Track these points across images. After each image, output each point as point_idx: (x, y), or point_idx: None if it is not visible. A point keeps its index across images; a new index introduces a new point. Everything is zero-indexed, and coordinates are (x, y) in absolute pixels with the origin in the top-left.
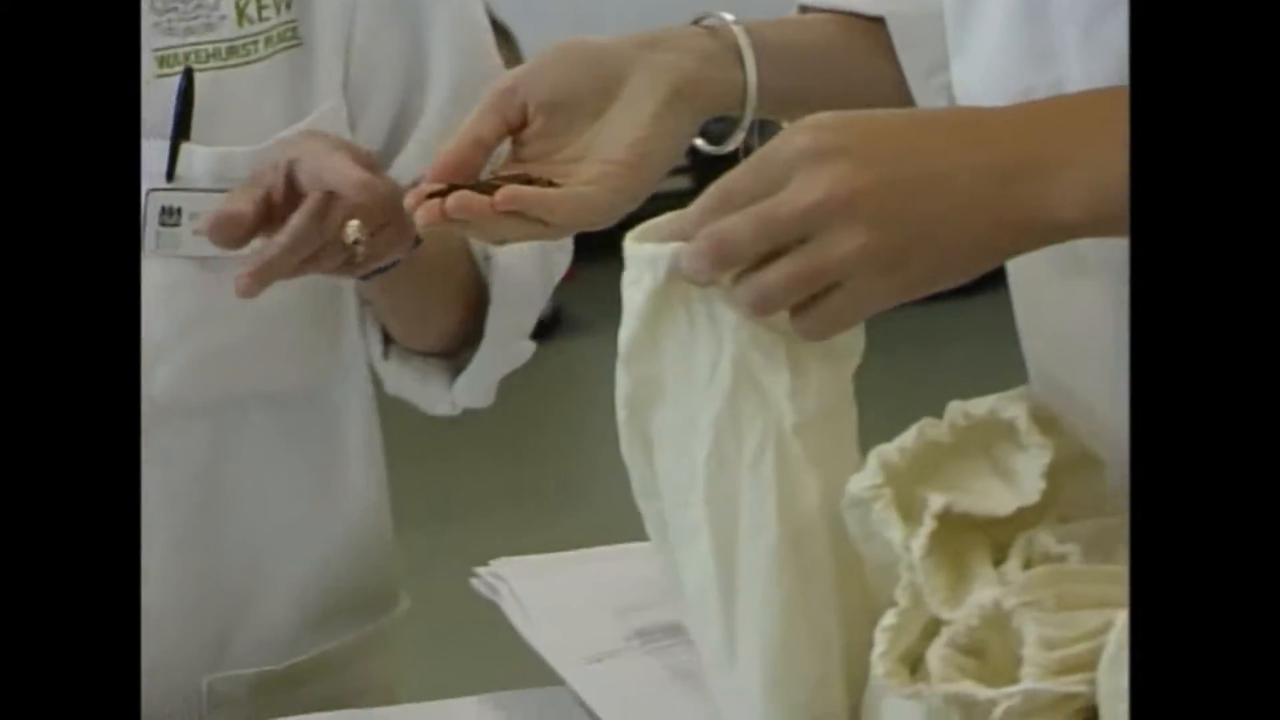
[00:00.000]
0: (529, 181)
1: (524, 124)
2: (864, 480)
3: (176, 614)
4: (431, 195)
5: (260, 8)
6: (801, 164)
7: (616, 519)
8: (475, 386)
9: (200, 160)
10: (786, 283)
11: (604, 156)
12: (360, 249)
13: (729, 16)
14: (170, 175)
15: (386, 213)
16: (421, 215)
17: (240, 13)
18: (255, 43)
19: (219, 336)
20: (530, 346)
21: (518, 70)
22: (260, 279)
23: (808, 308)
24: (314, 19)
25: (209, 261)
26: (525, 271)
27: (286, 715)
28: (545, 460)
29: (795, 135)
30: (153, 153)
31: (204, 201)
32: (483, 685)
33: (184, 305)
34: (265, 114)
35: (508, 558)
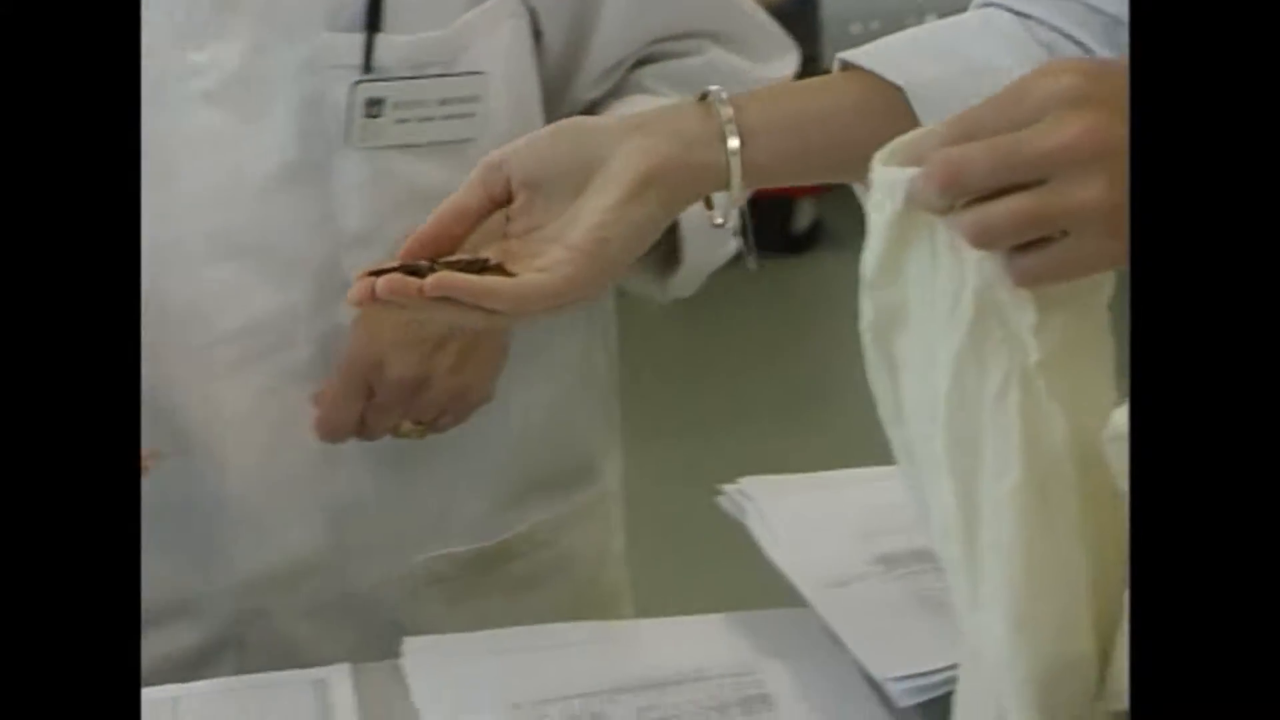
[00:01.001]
0: (483, 266)
1: (509, 199)
2: None
3: (388, 494)
4: (378, 273)
5: None
6: (1056, 105)
7: (866, 439)
8: (680, 286)
9: (397, 49)
10: (1014, 220)
11: (564, 242)
12: (416, 435)
13: (723, 95)
14: (367, 67)
15: (439, 405)
16: (352, 293)
17: None
18: None
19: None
20: (732, 246)
21: (508, 145)
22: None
23: (1028, 251)
24: None
25: (410, 150)
26: (716, 201)
27: (498, 591)
28: (798, 375)
29: (1056, 75)
30: (349, 46)
31: (406, 90)
32: (724, 603)
33: (386, 195)
34: None
35: (756, 476)
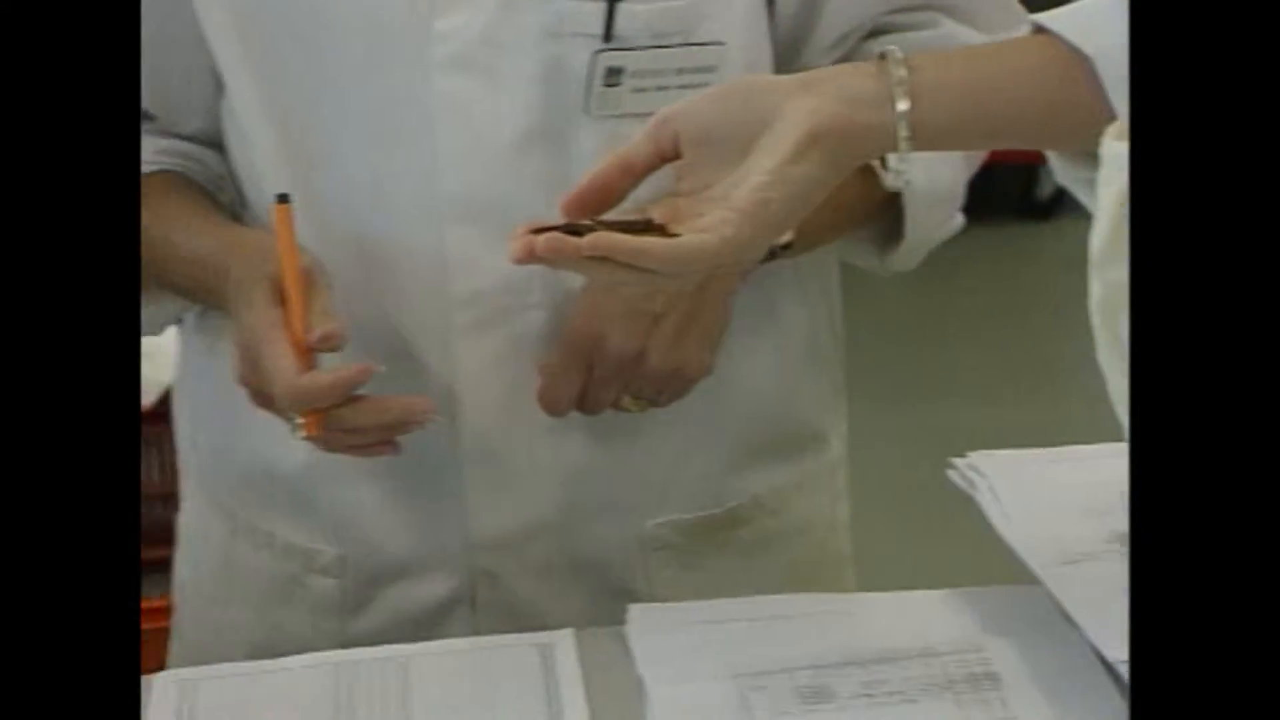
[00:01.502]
0: (647, 224)
1: (677, 155)
2: None
3: (617, 459)
4: (541, 230)
5: None
6: None
7: (1101, 414)
8: (901, 260)
9: (638, 18)
10: None
11: (726, 202)
12: (636, 410)
13: (899, 55)
14: (608, 36)
15: (657, 380)
16: (514, 250)
17: None
18: None
19: (658, 185)
20: (959, 221)
21: (680, 102)
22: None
23: None
24: None
25: (645, 119)
26: (942, 177)
27: (726, 557)
28: (1034, 346)
29: None
30: (591, 14)
31: (644, 60)
32: (946, 576)
33: None
34: None
35: (987, 451)
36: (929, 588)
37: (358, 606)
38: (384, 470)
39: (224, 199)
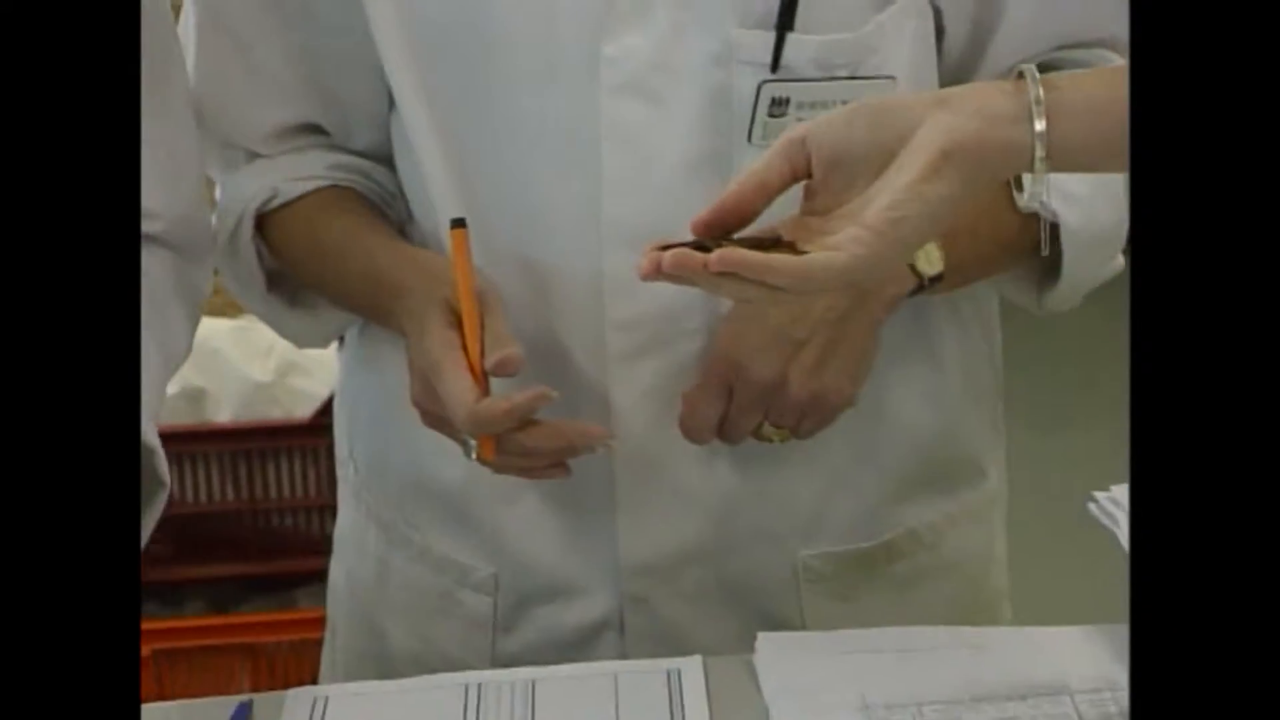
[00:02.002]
0: (776, 241)
1: (810, 173)
2: None
3: (769, 489)
4: (668, 246)
5: None
6: None
7: None
8: (1059, 301)
9: (806, 49)
10: None
11: (859, 220)
12: (778, 440)
13: (1036, 73)
14: (775, 66)
15: (798, 408)
16: (642, 266)
17: None
18: None
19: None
20: (1119, 263)
21: (813, 120)
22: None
23: None
24: None
25: None
26: (1101, 217)
27: (879, 591)
28: None
29: None
30: (760, 43)
31: (811, 91)
32: (1094, 612)
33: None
34: None
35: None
36: (1082, 623)
37: (509, 625)
38: (539, 491)
39: (393, 215)
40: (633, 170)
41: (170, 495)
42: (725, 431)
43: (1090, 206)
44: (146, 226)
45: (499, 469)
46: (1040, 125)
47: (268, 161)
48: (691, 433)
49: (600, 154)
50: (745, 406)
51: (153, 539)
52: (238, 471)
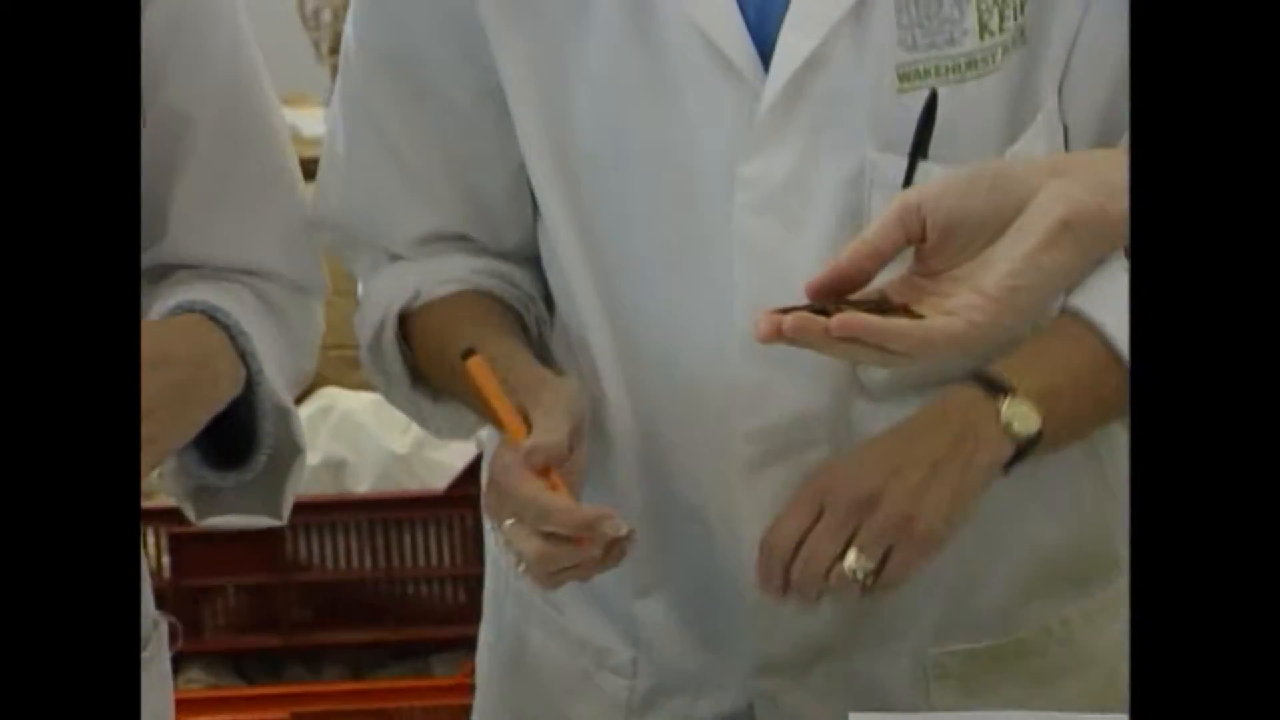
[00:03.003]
0: (888, 305)
1: (924, 238)
2: None
3: (903, 587)
4: (785, 311)
5: (1001, 19)
6: None
7: None
8: None
9: (936, 177)
10: None
11: (974, 286)
12: (860, 576)
13: None
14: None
15: (886, 533)
16: (760, 329)
17: (982, 26)
18: (994, 53)
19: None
20: None
21: (925, 186)
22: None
23: None
24: (1047, 17)
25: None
26: None
27: (1012, 686)
28: None
29: None
30: (893, 166)
31: None
32: None
33: None
34: (993, 124)
35: None
36: None
37: (644, 710)
38: (674, 584)
39: (530, 319)
40: (766, 286)
41: (311, 562)
42: (807, 555)
43: None
44: (265, 283)
45: (545, 580)
46: None
47: (410, 263)
48: (771, 551)
49: (733, 268)
50: (833, 523)
51: (294, 604)
52: (376, 540)
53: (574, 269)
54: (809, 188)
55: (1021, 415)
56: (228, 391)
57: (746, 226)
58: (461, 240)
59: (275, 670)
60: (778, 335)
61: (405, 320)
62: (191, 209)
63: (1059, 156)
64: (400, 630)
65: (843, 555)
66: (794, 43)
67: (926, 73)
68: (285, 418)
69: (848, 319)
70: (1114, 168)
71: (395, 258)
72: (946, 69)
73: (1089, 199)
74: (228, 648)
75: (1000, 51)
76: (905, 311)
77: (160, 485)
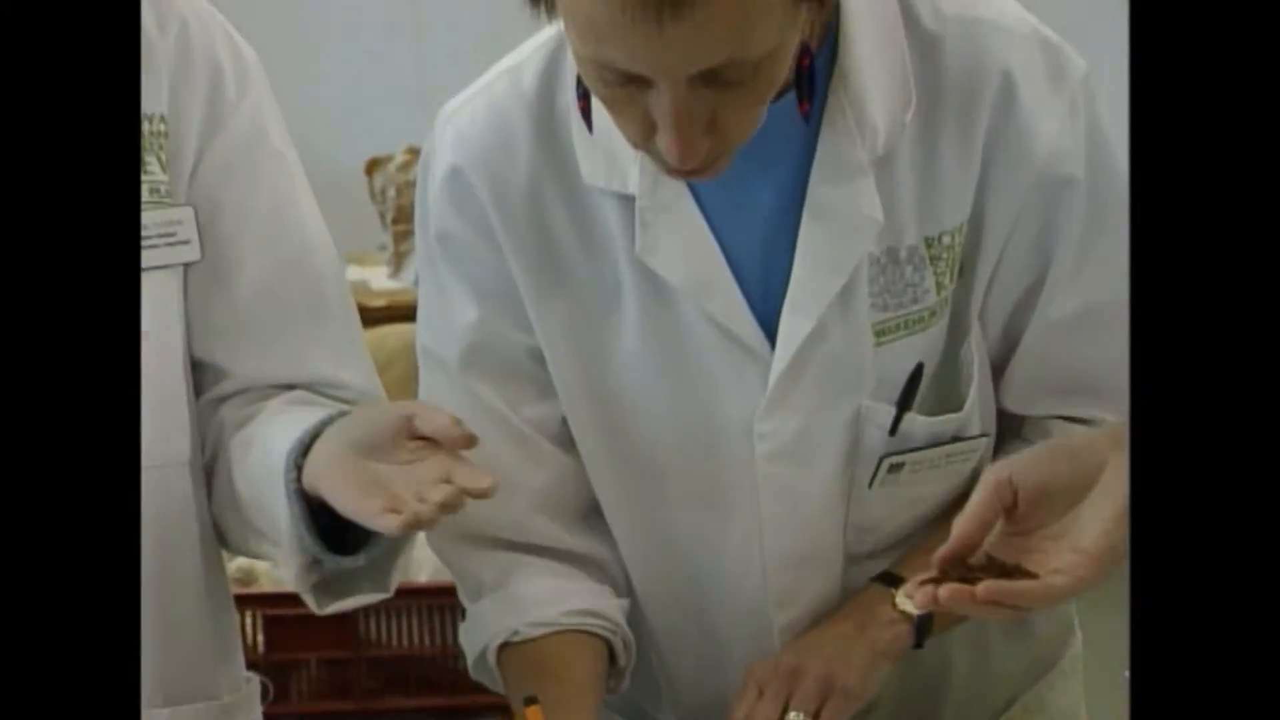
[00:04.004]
0: (1003, 566)
1: (1016, 505)
2: None
3: (893, 689)
4: (933, 580)
5: (951, 273)
6: None
7: None
8: None
9: (919, 427)
10: None
11: (1074, 545)
12: None
13: None
14: (894, 431)
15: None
16: (918, 600)
17: (938, 284)
18: (946, 299)
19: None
20: None
21: (1011, 460)
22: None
23: None
24: (977, 257)
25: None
26: None
27: None
28: None
29: None
30: (884, 413)
31: (921, 456)
32: None
33: (897, 514)
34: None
35: None
36: None
37: None
38: None
39: (623, 660)
40: (785, 513)
41: (380, 640)
42: None
43: None
44: (336, 391)
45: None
46: None
47: (506, 595)
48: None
49: (758, 503)
50: (770, 695)
51: (365, 675)
52: (433, 622)
53: (611, 501)
54: (816, 434)
55: (910, 601)
56: None
57: (766, 470)
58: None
59: None
60: (934, 603)
61: (502, 650)
62: (252, 333)
63: (1117, 430)
64: (452, 697)
65: (782, 717)
66: (795, 324)
67: (897, 327)
68: None
69: (992, 586)
70: None
71: (488, 589)
72: (913, 321)
73: None
74: (309, 711)
75: (950, 295)
76: (1020, 571)
77: (275, 575)
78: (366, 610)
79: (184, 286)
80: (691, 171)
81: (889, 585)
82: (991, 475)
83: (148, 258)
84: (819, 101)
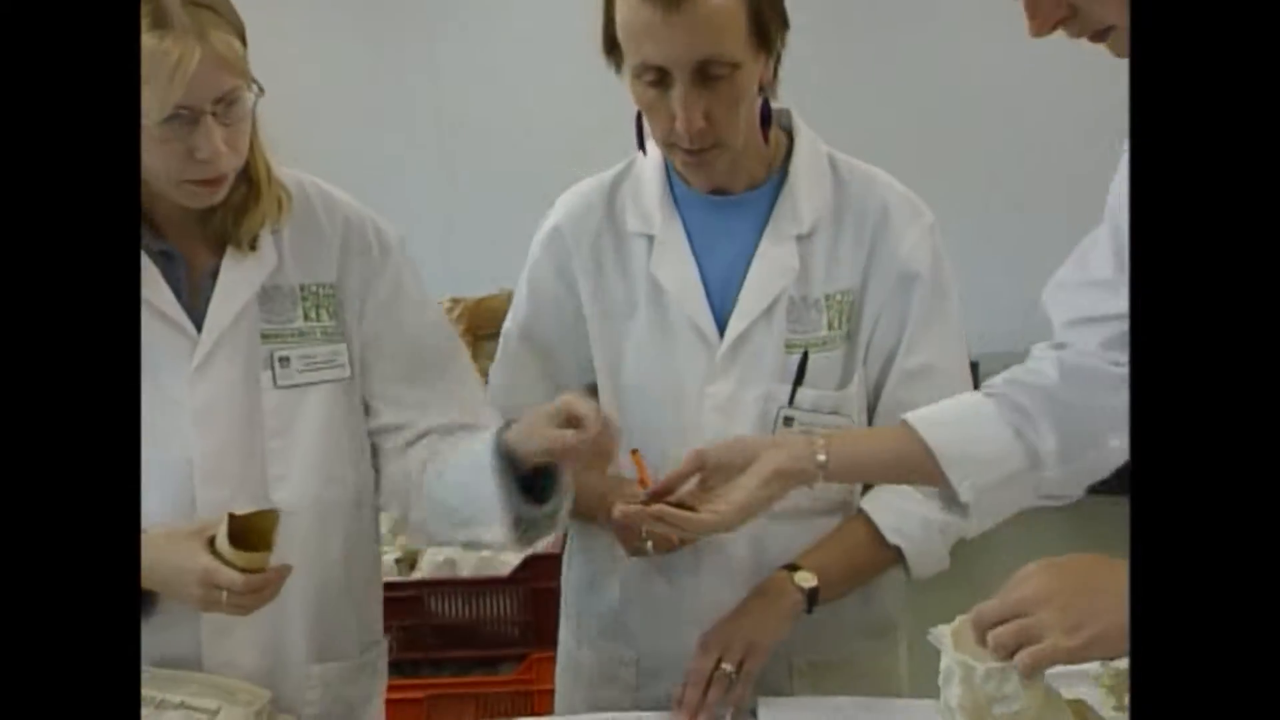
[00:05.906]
0: (684, 505)
1: (705, 470)
2: None
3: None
4: (645, 502)
5: (840, 321)
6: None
7: None
8: (918, 575)
9: (807, 399)
10: None
11: (726, 499)
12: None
13: (820, 439)
14: (791, 402)
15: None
16: (616, 513)
17: (829, 325)
18: (835, 338)
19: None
20: (947, 561)
21: (707, 444)
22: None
23: None
24: (860, 325)
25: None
26: (934, 549)
27: (840, 689)
28: None
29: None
30: (781, 391)
31: (807, 417)
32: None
33: None
34: (835, 376)
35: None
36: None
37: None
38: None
39: None
40: (718, 436)
41: (440, 612)
42: (694, 675)
43: (925, 540)
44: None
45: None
46: (821, 458)
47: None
48: (684, 686)
49: (703, 440)
50: (703, 653)
51: (429, 634)
52: (472, 601)
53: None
54: (740, 401)
55: (804, 577)
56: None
57: (708, 419)
58: None
59: (416, 673)
60: (625, 516)
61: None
62: (404, 391)
63: (775, 437)
64: (484, 650)
65: (717, 667)
66: (737, 325)
67: (801, 344)
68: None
69: (661, 509)
70: (801, 444)
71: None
72: (811, 343)
73: (786, 457)
74: (397, 660)
75: (838, 338)
76: (690, 509)
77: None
78: (430, 593)
79: (346, 392)
80: (698, 151)
81: (788, 569)
82: (694, 450)
83: (322, 375)
84: (771, 198)
